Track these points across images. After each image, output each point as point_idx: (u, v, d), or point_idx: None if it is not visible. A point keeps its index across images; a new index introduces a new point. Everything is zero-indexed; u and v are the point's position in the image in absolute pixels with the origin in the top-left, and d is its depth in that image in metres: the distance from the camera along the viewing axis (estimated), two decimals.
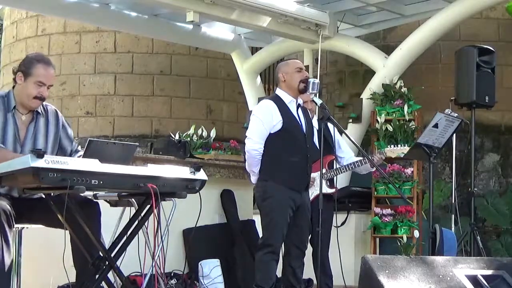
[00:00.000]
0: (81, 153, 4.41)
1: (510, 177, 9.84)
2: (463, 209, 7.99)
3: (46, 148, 4.36)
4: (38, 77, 4.30)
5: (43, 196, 4.20)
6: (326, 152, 5.68)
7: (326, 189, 5.89)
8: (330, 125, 5.69)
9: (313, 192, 5.80)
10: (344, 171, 6.08)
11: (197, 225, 4.91)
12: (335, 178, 5.94)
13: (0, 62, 12.60)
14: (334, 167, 6.02)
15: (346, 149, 6.08)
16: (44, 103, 4.43)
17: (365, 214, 8.15)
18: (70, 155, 4.44)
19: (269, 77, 11.41)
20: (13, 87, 4.38)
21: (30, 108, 4.35)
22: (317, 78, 6.05)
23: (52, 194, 4.14)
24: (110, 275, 4.32)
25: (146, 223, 4.29)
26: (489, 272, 4.13)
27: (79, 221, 4.12)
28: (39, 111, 4.40)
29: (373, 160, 5.72)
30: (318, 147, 5.60)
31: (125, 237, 4.30)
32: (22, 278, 4.51)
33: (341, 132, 5.71)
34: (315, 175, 5.67)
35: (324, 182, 5.87)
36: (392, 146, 6.06)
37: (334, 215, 5.92)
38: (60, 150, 4.48)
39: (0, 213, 3.97)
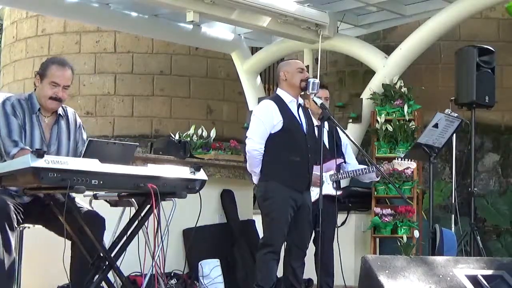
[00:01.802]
0: None
1: (510, 177, 9.84)
2: (463, 209, 7.99)
3: (69, 149, 4.43)
4: (52, 78, 4.35)
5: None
6: (335, 155, 5.86)
7: (333, 191, 5.92)
8: (342, 135, 5.92)
9: (318, 192, 5.81)
10: (350, 176, 6.08)
11: (197, 225, 4.91)
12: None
13: (0, 62, 12.61)
14: (341, 171, 6.03)
15: (351, 155, 6.11)
16: (63, 105, 4.47)
17: (365, 214, 8.15)
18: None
19: (269, 77, 11.41)
20: (35, 89, 4.44)
21: (48, 109, 4.40)
22: (317, 78, 6.05)
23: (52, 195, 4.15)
24: (110, 275, 4.33)
25: (146, 223, 4.29)
26: (489, 272, 4.13)
27: (79, 222, 4.13)
28: (61, 113, 4.45)
29: (381, 169, 5.81)
30: (328, 148, 5.71)
31: (125, 237, 4.30)
32: (22, 278, 4.52)
33: (342, 132, 5.75)
34: (324, 174, 5.69)
35: (331, 183, 5.90)
36: (400, 159, 6.07)
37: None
38: None
39: (4, 215, 3.98)
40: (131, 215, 4.44)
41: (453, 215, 7.38)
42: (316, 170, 5.52)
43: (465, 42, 8.82)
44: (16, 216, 4.11)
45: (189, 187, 4.28)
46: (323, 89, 6.13)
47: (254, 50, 10.21)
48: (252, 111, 6.27)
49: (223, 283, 6.35)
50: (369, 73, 8.98)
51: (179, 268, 6.25)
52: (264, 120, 5.29)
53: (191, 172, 4.28)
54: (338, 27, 8.99)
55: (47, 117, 4.42)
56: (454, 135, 6.39)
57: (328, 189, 5.85)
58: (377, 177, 6.00)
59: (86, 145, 4.10)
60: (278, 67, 5.56)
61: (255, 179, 5.42)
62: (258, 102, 7.64)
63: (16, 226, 4.13)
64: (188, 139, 7.34)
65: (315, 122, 5.86)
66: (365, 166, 5.97)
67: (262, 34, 9.59)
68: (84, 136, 4.58)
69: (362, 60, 9.03)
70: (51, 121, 4.44)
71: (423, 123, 8.07)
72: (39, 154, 3.69)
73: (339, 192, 5.95)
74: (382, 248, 8.02)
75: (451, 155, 8.02)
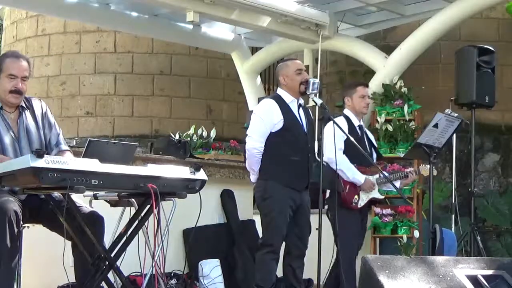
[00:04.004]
0: (64, 147, 4.43)
1: (510, 177, 9.84)
2: (463, 209, 7.99)
3: (40, 138, 4.38)
4: (8, 70, 4.32)
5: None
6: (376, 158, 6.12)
7: (379, 195, 6.03)
8: (369, 133, 6.17)
9: (368, 196, 5.93)
10: (383, 182, 6.09)
11: (197, 225, 4.91)
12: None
13: None
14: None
15: None
16: (27, 96, 4.44)
17: None
18: (50, 146, 4.42)
19: (269, 77, 11.41)
20: None
21: (10, 104, 4.35)
22: (317, 78, 6.06)
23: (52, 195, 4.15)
24: (110, 275, 4.32)
25: (146, 223, 4.29)
26: (489, 272, 4.12)
27: (79, 222, 4.12)
28: (23, 105, 4.42)
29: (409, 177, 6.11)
30: (371, 153, 6.01)
31: (125, 237, 4.29)
32: (22, 278, 4.51)
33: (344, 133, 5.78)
34: (374, 178, 5.91)
35: (377, 187, 5.99)
36: (423, 164, 6.20)
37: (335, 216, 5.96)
38: None
39: (10, 213, 3.98)
40: (131, 215, 4.44)
41: (453, 215, 7.37)
42: (368, 173, 5.77)
43: (465, 42, 8.82)
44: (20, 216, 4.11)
45: (189, 187, 4.27)
46: (365, 87, 6.17)
47: (254, 50, 10.21)
48: (252, 110, 6.28)
49: (223, 283, 6.34)
50: (369, 73, 8.98)
51: (179, 268, 6.24)
52: (264, 119, 5.29)
53: (191, 172, 4.28)
54: (338, 27, 8.99)
55: (11, 113, 4.37)
56: (454, 135, 6.39)
57: (377, 194, 5.97)
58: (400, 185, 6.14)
59: (86, 145, 4.09)
60: (276, 70, 5.55)
61: (253, 178, 5.41)
62: (258, 102, 7.63)
63: (22, 224, 4.13)
64: (188, 139, 7.34)
65: (357, 122, 5.99)
66: (388, 174, 6.14)
67: (262, 34, 9.59)
68: (52, 119, 4.51)
69: (362, 60, 9.03)
70: (16, 116, 4.38)
71: (423, 123, 8.07)
72: (39, 154, 3.69)
73: (382, 196, 6.11)
74: (382, 248, 8.01)
75: (451, 155, 8.01)
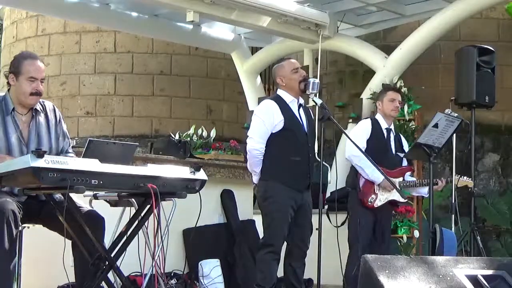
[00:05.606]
0: (72, 155, 4.43)
1: (510, 177, 9.84)
2: (463, 209, 7.99)
3: (51, 144, 4.38)
4: (29, 73, 4.31)
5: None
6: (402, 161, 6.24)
7: (400, 198, 6.05)
8: (402, 137, 6.34)
9: (387, 197, 6.01)
10: (408, 186, 6.19)
11: (197, 225, 4.91)
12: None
13: (0, 62, 12.61)
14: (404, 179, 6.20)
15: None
16: (41, 100, 4.44)
17: None
18: (60, 153, 4.44)
19: (269, 77, 11.41)
20: (8, 90, 4.39)
21: (29, 105, 4.35)
22: (317, 78, 6.06)
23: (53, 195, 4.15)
24: (110, 275, 4.32)
25: (146, 223, 4.29)
26: (489, 272, 4.12)
27: (79, 222, 4.12)
28: (38, 108, 4.41)
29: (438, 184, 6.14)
30: (395, 153, 6.07)
31: (125, 237, 4.29)
32: (22, 278, 4.51)
33: (342, 132, 5.77)
34: (397, 180, 6.00)
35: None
36: (458, 175, 6.33)
37: (334, 215, 5.96)
38: None
39: (8, 213, 3.98)
40: (131, 215, 4.44)
41: (453, 215, 7.37)
42: (390, 175, 5.78)
43: (465, 42, 8.82)
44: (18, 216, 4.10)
45: (189, 187, 4.27)
46: (396, 92, 6.31)
47: (254, 50, 10.21)
48: (252, 111, 6.28)
49: (223, 283, 6.35)
50: (369, 73, 8.98)
51: (179, 268, 6.25)
52: (265, 120, 5.29)
53: (191, 172, 4.27)
54: (338, 27, 8.99)
55: (24, 114, 4.36)
56: (454, 135, 6.39)
57: (397, 195, 5.99)
58: (427, 193, 6.19)
59: (86, 145, 4.09)
60: (273, 72, 5.56)
61: (255, 179, 5.42)
62: (258, 102, 7.64)
63: (20, 224, 4.13)
64: (188, 139, 7.34)
65: (385, 125, 6.10)
66: (415, 179, 6.29)
67: (262, 34, 9.59)
68: (65, 129, 4.52)
69: (362, 60, 9.03)
70: (28, 118, 4.37)
71: (423, 123, 8.08)
72: (39, 154, 3.68)
73: (404, 199, 6.17)
74: None
75: (451, 155, 8.01)
